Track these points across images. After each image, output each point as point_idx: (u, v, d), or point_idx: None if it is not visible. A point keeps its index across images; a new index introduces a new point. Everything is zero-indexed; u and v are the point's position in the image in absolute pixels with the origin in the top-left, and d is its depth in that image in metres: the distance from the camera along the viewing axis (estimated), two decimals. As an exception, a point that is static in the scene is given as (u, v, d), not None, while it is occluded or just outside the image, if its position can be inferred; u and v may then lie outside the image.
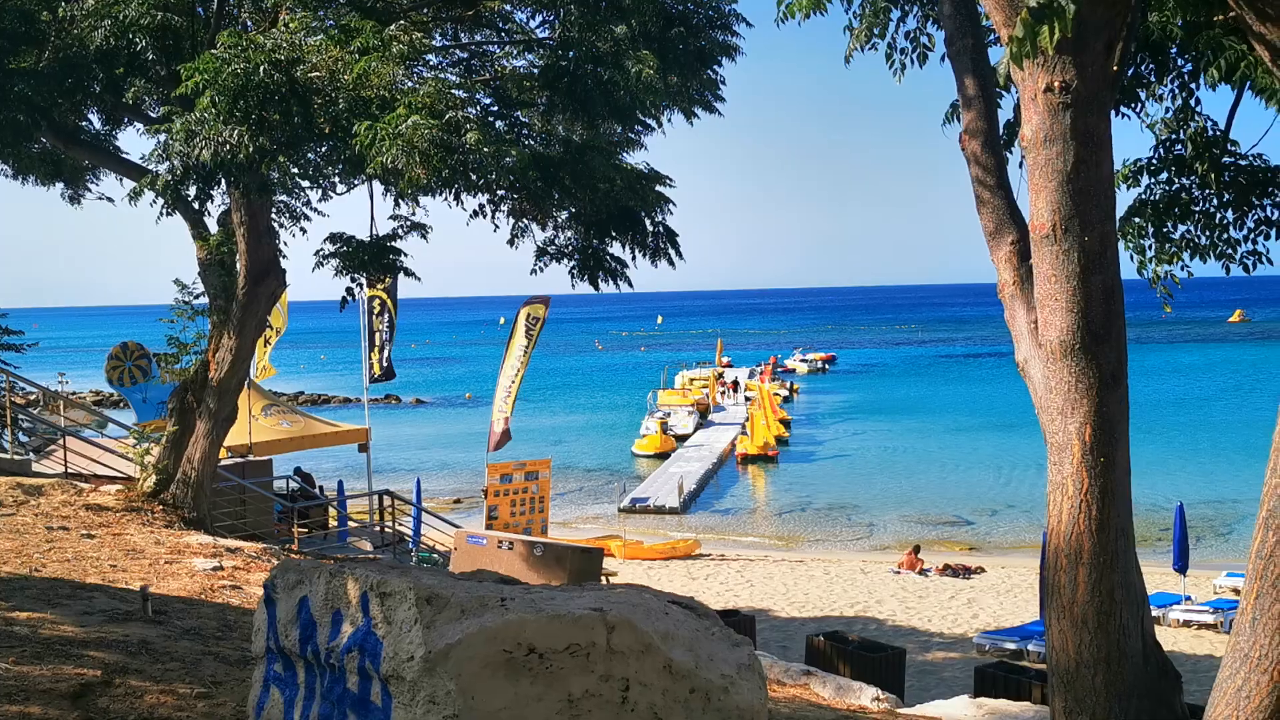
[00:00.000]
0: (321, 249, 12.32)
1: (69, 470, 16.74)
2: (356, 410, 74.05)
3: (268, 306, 13.44)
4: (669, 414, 60.37)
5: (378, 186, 14.35)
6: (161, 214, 11.25)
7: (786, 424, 59.38)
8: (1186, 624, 21.81)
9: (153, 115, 13.30)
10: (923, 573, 27.35)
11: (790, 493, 42.89)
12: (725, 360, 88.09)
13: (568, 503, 40.02)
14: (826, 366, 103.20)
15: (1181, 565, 22.39)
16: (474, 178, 10.03)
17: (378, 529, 24.56)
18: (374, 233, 12.81)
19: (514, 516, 31.56)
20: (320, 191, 14.11)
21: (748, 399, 71.45)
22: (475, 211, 13.11)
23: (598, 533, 34.52)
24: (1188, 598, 22.60)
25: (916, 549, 28.45)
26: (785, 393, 75.86)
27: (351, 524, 25.03)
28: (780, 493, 43.17)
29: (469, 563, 11.52)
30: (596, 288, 15.74)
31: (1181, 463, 46.02)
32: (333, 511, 24.94)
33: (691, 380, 78.37)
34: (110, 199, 16.25)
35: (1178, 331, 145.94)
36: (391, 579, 4.32)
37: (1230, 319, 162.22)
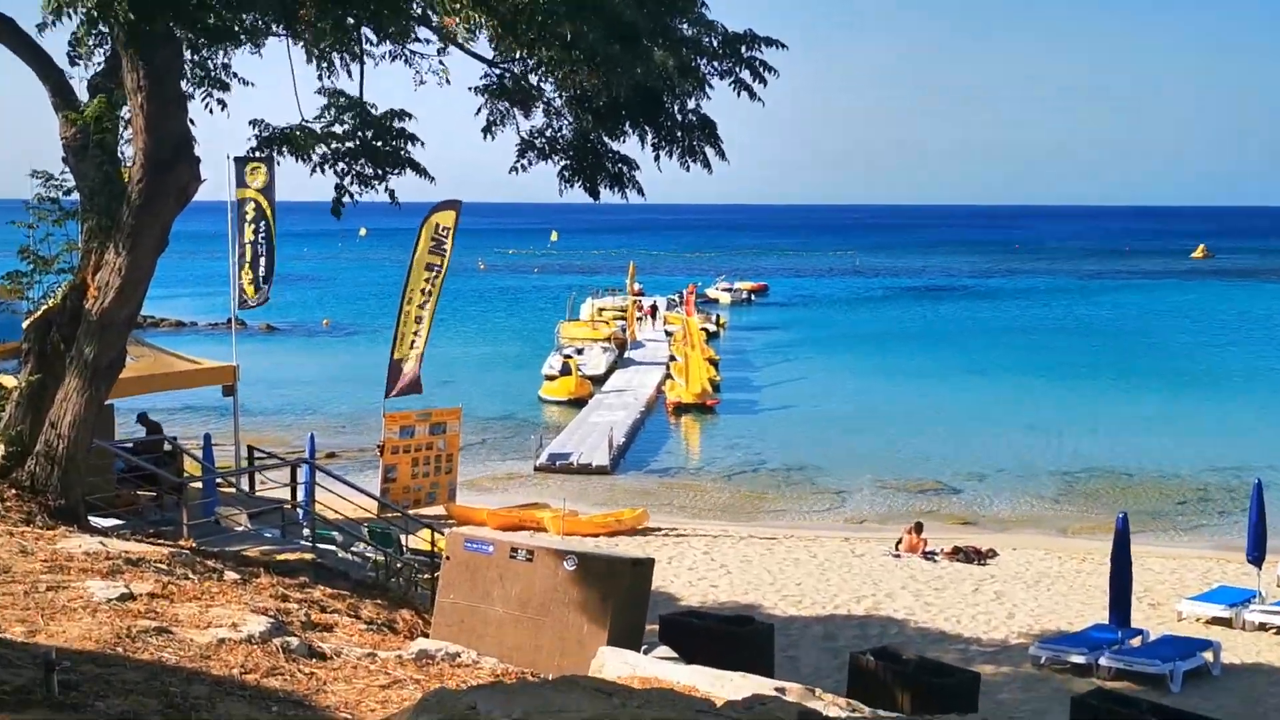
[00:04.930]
0: (285, 129, 10.05)
1: None
2: (194, 338, 70.64)
3: (175, 208, 11.09)
4: (579, 351, 58.65)
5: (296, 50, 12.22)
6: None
7: (715, 365, 58.17)
8: (1263, 627, 21.05)
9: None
10: (928, 556, 26.35)
11: (736, 450, 41.68)
12: (637, 287, 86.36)
13: (470, 458, 38.09)
14: (753, 297, 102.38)
15: (1257, 555, 21.58)
16: (523, 30, 7.96)
17: (253, 497, 22.50)
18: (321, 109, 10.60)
19: (416, 479, 29.86)
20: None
21: (667, 334, 70.16)
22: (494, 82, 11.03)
23: (518, 498, 32.81)
24: (1259, 594, 21.83)
25: (919, 527, 27.41)
26: (712, 327, 74.64)
27: (221, 490, 22.84)
28: (724, 450, 41.90)
29: (469, 580, 9.63)
30: (596, 196, 14.14)
31: (1251, 423, 45.81)
32: (192, 467, 22.71)
33: (601, 310, 76.71)
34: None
35: (1144, 265, 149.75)
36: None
37: (1194, 254, 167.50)
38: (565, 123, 13.67)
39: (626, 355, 62.62)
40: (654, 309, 79.14)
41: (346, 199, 10.79)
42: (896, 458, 39.81)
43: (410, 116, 11.33)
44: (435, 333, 28.97)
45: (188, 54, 11.06)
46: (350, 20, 10.41)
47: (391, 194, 11.26)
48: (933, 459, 39.52)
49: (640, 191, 13.99)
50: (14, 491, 10.51)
